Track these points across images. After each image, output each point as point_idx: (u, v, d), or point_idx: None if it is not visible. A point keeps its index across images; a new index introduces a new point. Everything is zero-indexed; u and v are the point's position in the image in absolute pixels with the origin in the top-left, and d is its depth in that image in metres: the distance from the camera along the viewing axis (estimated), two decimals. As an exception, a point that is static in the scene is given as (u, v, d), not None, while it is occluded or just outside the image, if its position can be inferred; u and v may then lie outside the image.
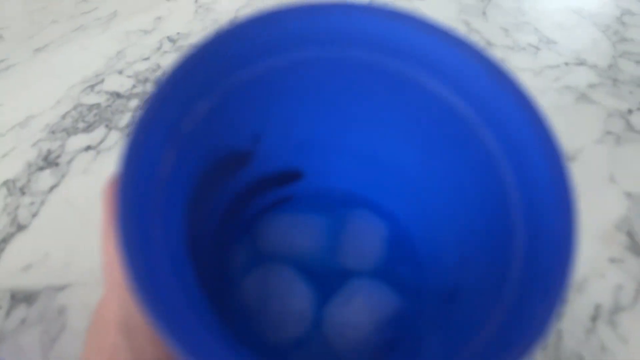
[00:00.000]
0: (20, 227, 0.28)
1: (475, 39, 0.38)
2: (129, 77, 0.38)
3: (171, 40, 0.42)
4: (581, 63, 0.35)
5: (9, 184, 0.30)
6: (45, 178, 0.30)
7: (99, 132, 0.33)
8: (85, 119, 0.35)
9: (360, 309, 0.16)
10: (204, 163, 0.14)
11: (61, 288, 0.24)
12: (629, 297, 0.22)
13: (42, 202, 0.29)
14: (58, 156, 0.32)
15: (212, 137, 0.14)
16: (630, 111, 0.30)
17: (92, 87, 0.38)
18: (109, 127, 0.34)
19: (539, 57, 0.36)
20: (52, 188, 0.30)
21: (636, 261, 0.23)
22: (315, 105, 0.16)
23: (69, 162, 0.31)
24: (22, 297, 0.24)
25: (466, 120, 0.12)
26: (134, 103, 0.35)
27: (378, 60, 0.13)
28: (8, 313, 0.23)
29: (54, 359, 0.21)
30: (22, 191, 0.30)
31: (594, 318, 0.21)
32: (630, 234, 0.24)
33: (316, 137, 0.17)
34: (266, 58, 0.13)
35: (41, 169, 0.31)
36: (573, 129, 0.30)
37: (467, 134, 0.12)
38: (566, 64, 0.35)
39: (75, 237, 0.27)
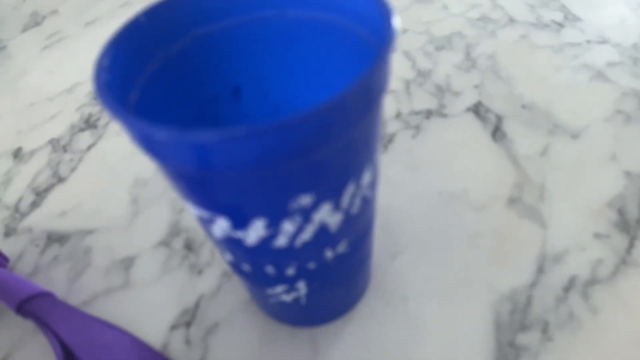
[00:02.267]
0: (60, 180, 0.31)
1: (498, 15, 0.38)
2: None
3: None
4: (604, 41, 0.34)
5: (54, 142, 0.34)
6: (85, 138, 0.34)
7: (134, 99, 0.37)
8: (123, 86, 0.38)
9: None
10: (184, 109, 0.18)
11: (89, 232, 0.28)
12: (608, 271, 0.22)
13: (80, 159, 0.33)
14: (97, 119, 0.35)
15: (188, 81, 0.17)
16: (647, 91, 0.30)
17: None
18: (142, 95, 0.37)
19: (561, 35, 0.35)
20: (89, 147, 0.33)
21: (622, 238, 0.23)
22: (283, 63, 0.18)
23: (106, 125, 0.35)
24: (56, 238, 0.28)
25: (358, 34, 0.16)
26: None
27: (313, 15, 0.17)
28: (43, 251, 0.27)
29: (77, 289, 0.25)
30: (65, 149, 0.34)
31: (567, 288, 0.22)
32: (621, 212, 0.24)
33: (289, 98, 0.19)
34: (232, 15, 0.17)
35: (82, 130, 0.35)
36: (583, 107, 0.30)
37: (359, 42, 0.16)
38: (588, 41, 0.34)
39: (106, 189, 0.30)
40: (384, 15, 0.13)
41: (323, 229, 0.16)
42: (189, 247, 0.26)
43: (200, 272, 0.25)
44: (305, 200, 0.14)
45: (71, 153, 0.33)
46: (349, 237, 0.17)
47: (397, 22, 0.14)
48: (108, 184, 0.30)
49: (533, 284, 0.22)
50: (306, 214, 0.14)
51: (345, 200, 0.15)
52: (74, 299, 0.24)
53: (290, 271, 0.17)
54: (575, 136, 0.28)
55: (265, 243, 0.15)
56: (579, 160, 0.27)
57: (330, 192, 0.14)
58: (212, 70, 0.18)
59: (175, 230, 0.27)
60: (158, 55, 0.17)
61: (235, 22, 0.18)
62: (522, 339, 0.20)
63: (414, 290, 0.22)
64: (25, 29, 0.48)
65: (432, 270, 0.23)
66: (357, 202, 0.16)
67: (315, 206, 0.14)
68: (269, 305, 0.20)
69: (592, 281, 0.22)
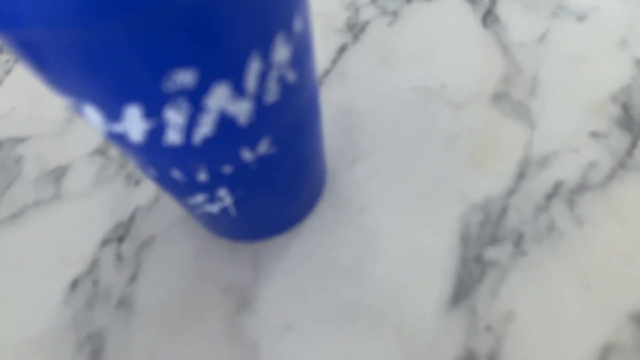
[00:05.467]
0: (-6, 83, 0.28)
1: None
2: None
3: None
4: None
5: (-11, 42, 0.30)
6: (22, 36, 0.30)
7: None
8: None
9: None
10: None
11: (21, 140, 0.25)
12: (601, 175, 0.19)
13: (16, 60, 0.29)
14: (36, 15, 0.31)
15: None
16: (676, -39, 0.24)
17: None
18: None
19: None
20: (26, 46, 0.30)
21: (623, 137, 0.19)
22: None
23: (45, 20, 0.31)
24: (-14, 147, 0.25)
25: None
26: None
27: None
28: (-28, 160, 0.24)
29: (5, 202, 0.22)
30: (1, 49, 0.30)
31: (550, 196, 0.18)
32: (625, 107, 0.20)
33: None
34: None
35: (19, 27, 0.31)
36: (594, -17, 0.24)
37: None
38: None
39: (41, 93, 0.27)
40: None
41: (228, 122, 0.12)
42: (126, 154, 0.23)
43: (137, 182, 0.22)
44: (185, 78, 0.10)
45: (7, 53, 0.29)
46: (271, 135, 0.14)
47: None
48: (43, 87, 0.27)
49: (511, 192, 0.19)
50: (194, 99, 0.11)
51: (250, 82, 0.12)
52: (2, 213, 0.22)
53: (203, 176, 0.14)
54: (581, 18, 0.23)
55: (155, 140, 0.12)
56: (583, 47, 0.22)
57: (222, 68, 0.11)
58: None
59: (113, 136, 0.24)
60: None
61: None
62: (491, 253, 0.17)
63: (372, 200, 0.19)
64: None
65: (396, 178, 0.20)
66: (273, 87, 0.12)
67: (203, 88, 0.11)
68: (200, 218, 0.18)
69: (581, 187, 0.18)
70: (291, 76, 0.13)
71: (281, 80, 0.13)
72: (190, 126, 0.12)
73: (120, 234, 0.20)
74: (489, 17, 0.24)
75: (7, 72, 0.28)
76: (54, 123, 0.25)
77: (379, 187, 0.20)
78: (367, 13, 0.26)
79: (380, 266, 0.18)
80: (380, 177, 0.20)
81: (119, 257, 0.20)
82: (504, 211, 0.18)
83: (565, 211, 0.18)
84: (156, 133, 0.12)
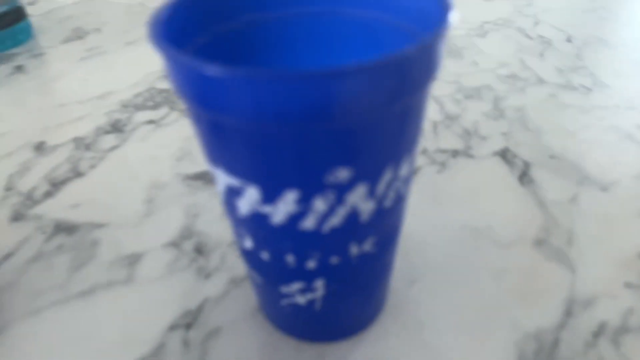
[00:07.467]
0: (79, 175, 0.31)
1: (527, 74, 0.39)
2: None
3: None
4: (632, 107, 0.34)
5: (77, 141, 0.34)
6: (109, 140, 0.34)
7: (163, 111, 0.37)
8: (154, 99, 0.39)
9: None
10: None
11: (99, 225, 0.27)
12: (639, 321, 0.21)
13: (102, 158, 0.32)
14: (124, 125, 0.36)
15: (232, 63, 0.18)
16: (677, 155, 0.29)
17: (166, 76, 0.42)
18: (171, 108, 0.37)
19: (589, 97, 0.35)
20: (112, 148, 0.33)
21: (655, 290, 0.22)
22: (329, 60, 0.19)
23: (132, 130, 0.35)
24: (64, 228, 0.27)
25: (411, 33, 0.16)
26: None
27: (364, 13, 0.18)
28: (49, 238, 0.26)
29: (77, 279, 0.24)
30: (87, 147, 0.34)
31: (597, 334, 0.20)
32: (653, 265, 0.23)
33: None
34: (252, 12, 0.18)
35: (107, 132, 0.35)
36: (612, 163, 0.29)
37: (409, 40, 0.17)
38: (616, 106, 0.34)
39: (122, 188, 0.30)
40: (442, 10, 0.14)
41: (354, 216, 0.15)
42: (199, 250, 0.25)
43: (207, 275, 0.23)
44: (342, 174, 0.13)
45: (93, 152, 0.33)
46: (377, 234, 0.16)
47: (454, 17, 0.14)
48: (125, 183, 0.30)
49: (561, 326, 0.20)
50: (340, 193, 0.14)
51: (381, 186, 0.15)
52: (72, 288, 0.23)
53: (311, 264, 0.16)
54: (604, 189, 0.27)
55: (293, 223, 0.15)
56: (609, 212, 0.26)
57: (368, 172, 0.14)
58: (258, 57, 0.19)
59: (187, 233, 0.26)
60: (210, 30, 0.17)
61: (287, 13, 0.18)
62: (548, 380, 0.19)
63: (431, 318, 0.21)
64: (66, 40, 0.50)
65: (452, 301, 0.22)
66: (391, 194, 0.15)
67: (350, 185, 0.14)
68: (278, 310, 0.19)
69: (624, 329, 0.20)
70: (403, 189, 0.16)
71: (398, 191, 0.16)
72: (326, 215, 0.14)
73: (188, 321, 0.21)
74: (524, 178, 0.29)
75: (92, 167, 0.32)
76: (131, 215, 0.27)
77: (436, 307, 0.22)
78: (418, 161, 0.30)
79: (440, 382, 0.19)
80: (437, 298, 0.22)
81: (185, 343, 0.21)
82: (556, 343, 0.20)
83: (611, 349, 0.20)
84: (297, 217, 0.14)
